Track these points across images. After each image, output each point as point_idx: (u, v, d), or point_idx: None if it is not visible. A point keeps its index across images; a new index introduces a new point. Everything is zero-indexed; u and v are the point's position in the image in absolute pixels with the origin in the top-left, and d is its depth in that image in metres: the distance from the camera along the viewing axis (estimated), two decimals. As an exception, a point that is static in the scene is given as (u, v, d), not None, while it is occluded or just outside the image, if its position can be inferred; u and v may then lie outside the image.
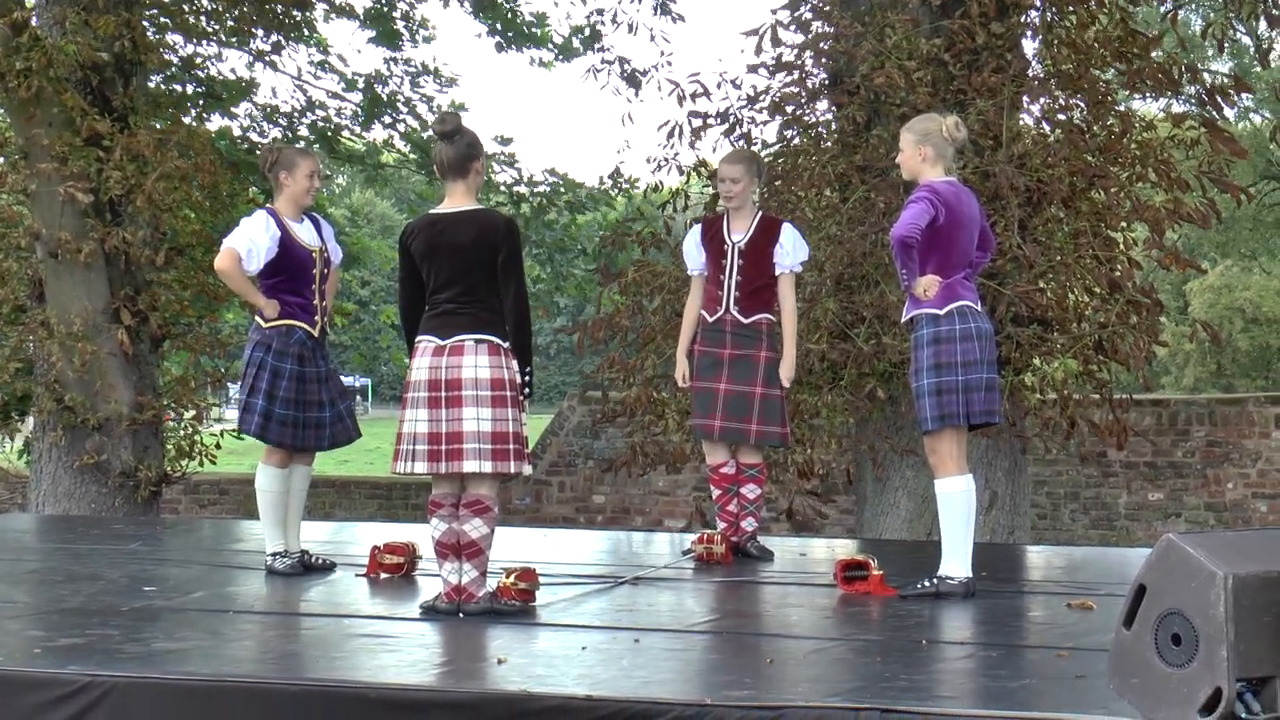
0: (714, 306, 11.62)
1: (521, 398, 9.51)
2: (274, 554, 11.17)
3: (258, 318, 11.06)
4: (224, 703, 7.55)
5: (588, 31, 26.80)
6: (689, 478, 20.64)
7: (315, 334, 11.13)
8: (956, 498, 10.07)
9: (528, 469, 9.73)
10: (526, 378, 9.57)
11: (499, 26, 27.05)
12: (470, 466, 9.33)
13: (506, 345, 9.45)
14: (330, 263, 11.37)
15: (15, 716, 7.61)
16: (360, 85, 27.11)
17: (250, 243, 10.90)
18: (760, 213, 11.72)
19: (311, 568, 11.24)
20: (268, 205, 11.35)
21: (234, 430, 12.59)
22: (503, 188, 26.53)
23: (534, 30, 27.23)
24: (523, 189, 26.88)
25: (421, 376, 9.43)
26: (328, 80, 27.22)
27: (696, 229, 12.08)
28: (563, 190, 27.00)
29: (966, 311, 9.97)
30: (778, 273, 11.50)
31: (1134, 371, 16.55)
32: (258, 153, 17.59)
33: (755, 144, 16.83)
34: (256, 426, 10.99)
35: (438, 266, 9.49)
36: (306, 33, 25.96)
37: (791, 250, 11.53)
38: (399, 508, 23.59)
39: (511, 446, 9.39)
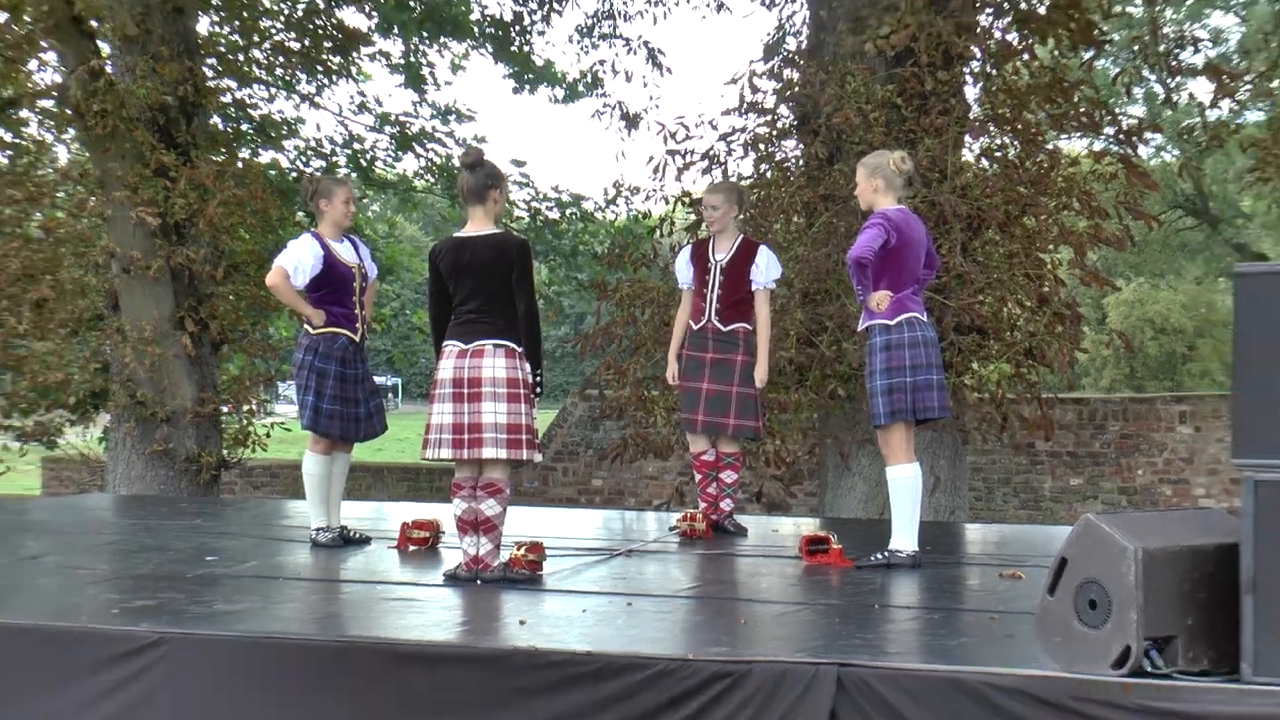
0: (699, 316, 11.66)
1: (532, 395, 9.55)
2: (317, 529, 11.20)
3: (306, 325, 11.09)
4: (274, 656, 7.58)
5: (590, 79, 27.11)
6: (674, 464, 20.64)
7: (356, 339, 11.18)
8: (905, 482, 10.10)
9: (538, 457, 9.74)
10: (537, 377, 9.60)
11: (516, 69, 27.29)
12: (488, 453, 9.37)
13: (520, 349, 9.49)
14: (368, 277, 11.40)
15: (97, 666, 7.66)
16: (392, 122, 27.26)
17: (297, 261, 10.94)
18: (742, 235, 11.75)
19: (349, 541, 11.25)
20: (312, 228, 11.37)
21: (283, 423, 12.57)
22: (519, 204, 26.61)
23: (548, 72, 27.46)
24: (536, 204, 27.04)
25: (447, 375, 9.47)
26: (364, 118, 27.37)
27: (686, 249, 12.11)
28: (568, 203, 27.15)
29: (914, 322, 10.01)
30: (754, 288, 11.53)
31: (1059, 374, 16.61)
32: (303, 183, 17.61)
33: (732, 177, 16.86)
34: (309, 420, 11.06)
35: (462, 282, 9.53)
36: (353, 71, 26.05)
37: (766, 269, 11.57)
38: (425, 489, 23.57)
39: (524, 437, 9.43)
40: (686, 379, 11.69)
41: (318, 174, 21.94)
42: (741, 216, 11.88)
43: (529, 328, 9.59)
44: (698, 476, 11.98)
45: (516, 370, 9.46)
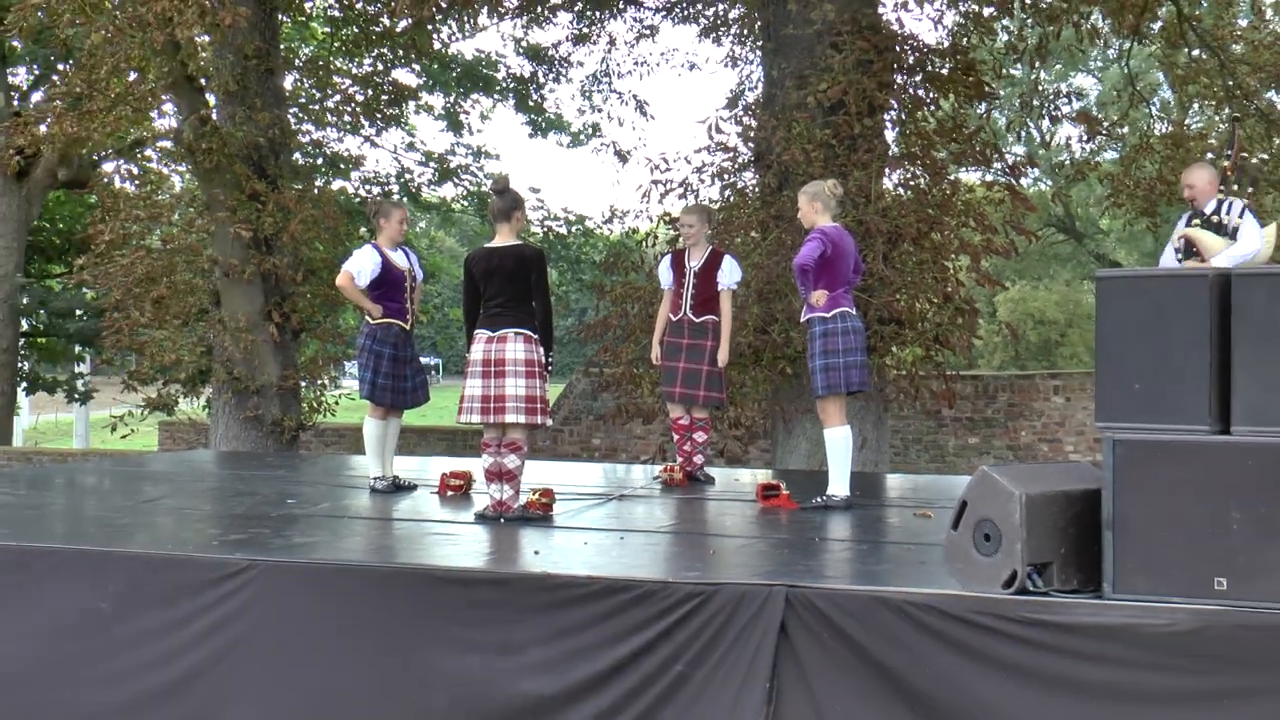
0: (677, 310, 11.63)
1: (545, 372, 9.55)
2: (375, 478, 11.16)
3: (367, 317, 11.08)
4: (341, 579, 7.58)
5: (590, 130, 27.73)
6: (657, 427, 20.59)
7: (407, 328, 11.16)
8: (839, 441, 10.06)
9: (549, 422, 9.73)
10: (549, 359, 9.61)
11: (532, 118, 27.62)
12: (510, 419, 9.36)
13: (536, 336, 9.49)
14: (416, 279, 11.40)
15: (200, 586, 7.68)
16: (435, 158, 27.48)
17: (360, 266, 10.95)
18: (711, 247, 11.74)
19: (400, 488, 11.20)
20: (372, 241, 11.36)
21: (349, 394, 12.56)
22: (535, 222, 26.74)
23: (558, 121, 27.82)
24: (550, 223, 27.22)
25: (478, 356, 9.47)
26: (413, 155, 27.50)
27: (667, 257, 12.08)
28: (574, 222, 27.37)
29: (846, 315, 9.97)
30: (720, 289, 11.51)
31: (959, 356, 16.68)
32: (365, 205, 17.52)
33: (703, 200, 16.88)
34: (366, 391, 11.05)
35: (490, 283, 9.53)
36: (405, 118, 26.25)
37: (729, 273, 11.54)
38: (460, 447, 23.46)
39: (539, 405, 9.45)
40: (667, 360, 11.68)
41: (379, 198, 21.98)
42: (710, 232, 11.86)
43: (543, 319, 9.62)
44: (675, 437, 11.94)
45: (534, 353, 9.47)
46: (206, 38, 17.58)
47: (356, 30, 23.70)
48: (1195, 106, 20.82)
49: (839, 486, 10.05)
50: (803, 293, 10.06)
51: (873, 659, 6.59)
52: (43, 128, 19.29)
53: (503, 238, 9.71)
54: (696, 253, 11.63)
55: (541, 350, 9.55)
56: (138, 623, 7.74)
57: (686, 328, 11.57)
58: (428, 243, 37.41)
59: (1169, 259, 10.43)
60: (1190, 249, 10.13)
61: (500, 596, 7.23)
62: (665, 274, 11.86)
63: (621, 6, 22.57)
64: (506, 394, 9.37)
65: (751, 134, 16.77)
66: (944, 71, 16.78)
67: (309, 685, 7.45)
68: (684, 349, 11.56)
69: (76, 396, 30.59)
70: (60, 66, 25.58)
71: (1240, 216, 10.02)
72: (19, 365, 27.73)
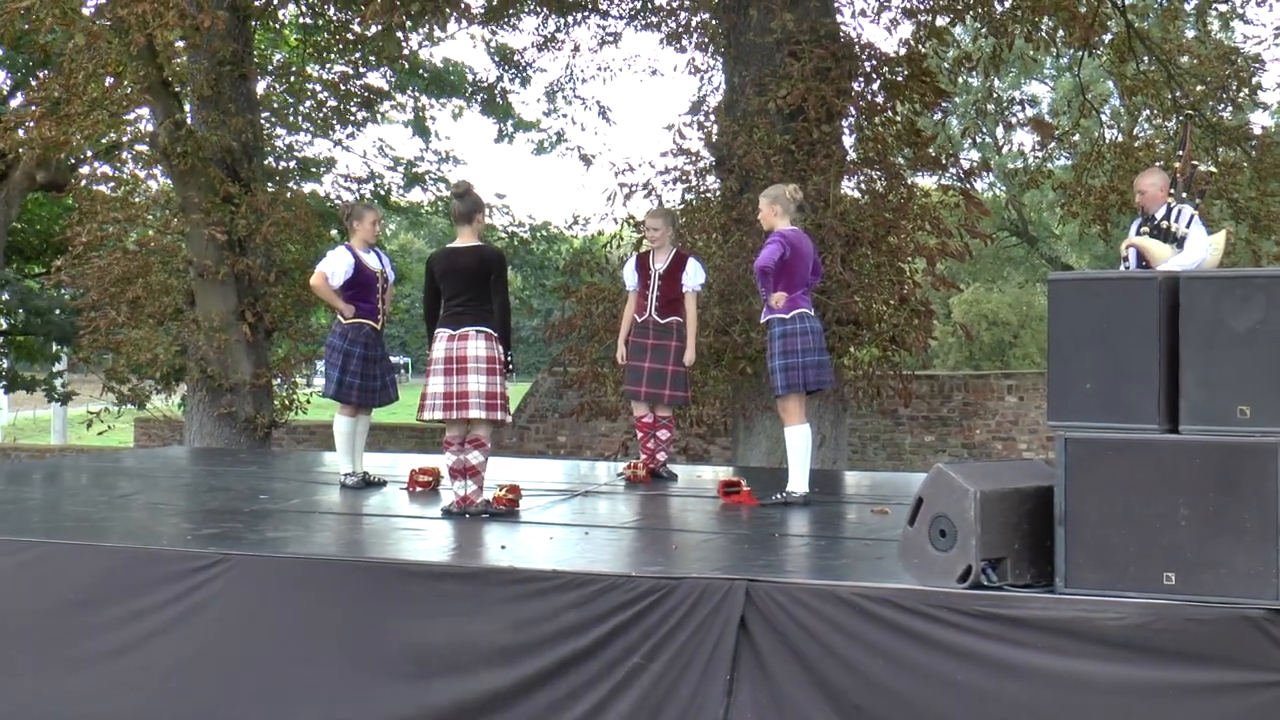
0: (642, 311, 11.61)
1: (505, 370, 9.52)
2: (345, 474, 11.12)
3: (339, 317, 11.06)
4: (312, 572, 7.57)
5: (555, 136, 27.74)
6: (620, 425, 20.55)
7: (377, 328, 11.15)
8: (799, 439, 10.06)
9: (509, 418, 9.71)
10: (509, 357, 9.59)
11: (499, 120, 27.64)
12: (474, 414, 9.33)
13: (496, 334, 9.46)
14: (388, 281, 11.39)
15: (175, 578, 7.67)
16: (404, 163, 27.51)
17: (333, 267, 10.94)
18: (675, 249, 11.71)
19: (370, 484, 11.17)
20: (346, 243, 11.34)
21: (319, 392, 12.54)
22: (500, 228, 26.71)
23: (524, 121, 27.83)
24: (514, 229, 27.20)
25: (439, 354, 9.44)
26: (383, 160, 27.50)
27: (632, 259, 12.06)
28: (538, 228, 27.39)
29: (804, 316, 9.97)
30: (684, 290, 11.49)
31: (915, 356, 16.76)
32: (337, 208, 17.47)
33: (667, 203, 16.89)
34: (332, 391, 11.05)
35: (450, 282, 9.52)
36: (378, 118, 26.30)
37: (693, 275, 11.53)
38: (429, 445, 23.38)
39: (499, 402, 9.41)
40: (632, 359, 11.65)
41: (353, 201, 21.94)
42: (674, 234, 11.84)
43: (502, 318, 9.58)
44: (639, 434, 11.93)
45: (494, 350, 9.43)
46: (182, 43, 17.52)
47: (328, 36, 23.67)
48: (1144, 115, 20.88)
49: (798, 483, 10.04)
50: (763, 294, 10.06)
51: (831, 652, 6.57)
52: (21, 131, 19.19)
53: (464, 238, 9.68)
54: (661, 255, 11.61)
55: (502, 348, 9.51)
56: (114, 610, 7.72)
57: (651, 329, 11.55)
58: (397, 247, 37.46)
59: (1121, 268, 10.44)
60: (1140, 258, 10.15)
61: (467, 590, 7.21)
62: (630, 276, 11.83)
63: (586, 14, 22.55)
64: (469, 390, 9.33)
65: (713, 139, 16.78)
66: (900, 79, 16.83)
67: (277, 672, 7.42)
68: (649, 349, 11.54)
69: (56, 397, 30.47)
70: (39, 72, 25.48)
71: (1189, 225, 10.04)
72: (-2, 364, 27.61)
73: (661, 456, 11.83)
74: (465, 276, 9.50)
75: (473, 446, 9.45)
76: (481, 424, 9.46)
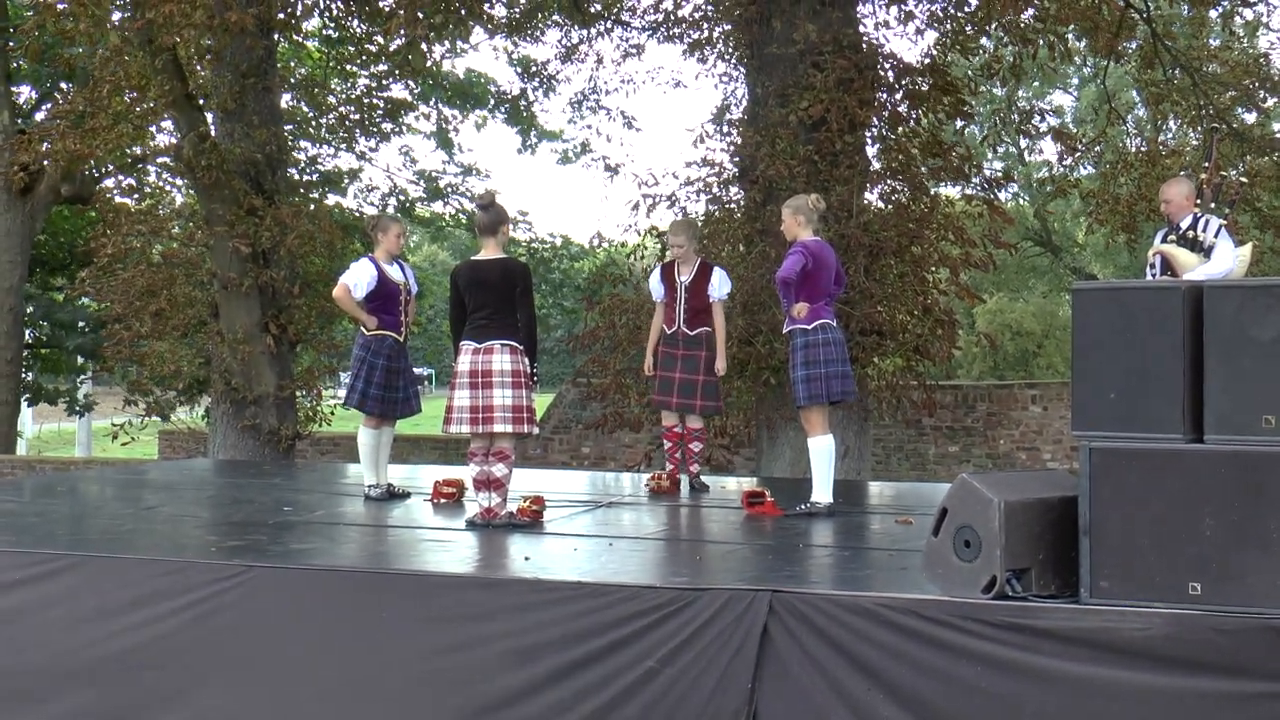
0: (670, 323, 11.60)
1: (531, 382, 9.52)
2: (370, 486, 11.13)
3: (362, 328, 11.07)
4: (336, 584, 7.58)
5: (580, 147, 27.91)
6: (644, 435, 20.55)
7: (401, 340, 11.17)
8: (822, 449, 10.06)
9: (535, 430, 9.72)
10: (534, 369, 9.58)
11: (524, 130, 27.75)
12: (499, 428, 9.32)
13: (521, 347, 9.45)
14: (411, 293, 11.39)
15: (200, 589, 7.68)
16: (426, 176, 27.62)
17: (357, 279, 10.94)
18: (700, 260, 11.72)
19: (394, 495, 11.18)
20: (369, 254, 11.36)
21: (343, 404, 12.57)
22: (522, 243, 26.75)
23: (548, 131, 27.95)
24: (535, 245, 27.26)
25: (465, 367, 9.42)
26: (406, 173, 27.60)
27: (658, 270, 12.05)
28: (560, 246, 27.45)
29: (827, 327, 9.97)
30: (711, 301, 11.49)
31: (939, 366, 16.75)
32: (362, 219, 17.53)
33: (690, 214, 16.93)
34: (354, 401, 11.06)
35: (476, 295, 9.48)
36: (401, 129, 26.44)
37: (719, 286, 11.53)
38: (453, 456, 23.40)
39: (525, 415, 9.40)
40: (662, 370, 11.64)
41: (379, 213, 22.03)
42: (697, 245, 11.86)
43: (528, 331, 9.55)
44: (667, 445, 11.94)
45: (519, 363, 9.41)
46: (209, 43, 17.55)
47: (351, 49, 23.74)
48: (1170, 123, 20.87)
49: (822, 494, 10.04)
50: (785, 305, 10.06)
51: (855, 662, 6.57)
52: (46, 145, 19.30)
53: (488, 251, 9.67)
54: (686, 267, 11.61)
55: (526, 361, 9.50)
56: (141, 617, 7.73)
57: (681, 340, 11.55)
58: (422, 259, 37.57)
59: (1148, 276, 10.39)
60: (1165, 265, 10.10)
61: (491, 601, 7.22)
62: (656, 286, 11.84)
63: (608, 25, 22.60)
64: (495, 404, 9.32)
65: (736, 150, 16.80)
66: (923, 89, 16.83)
67: (299, 683, 7.43)
68: (679, 359, 11.53)
69: (78, 409, 30.61)
70: (63, 85, 25.62)
71: (1216, 236, 9.97)
72: (22, 376, 27.71)
73: (694, 468, 11.83)
74: (490, 289, 9.48)
75: (497, 459, 9.44)
76: (506, 437, 9.46)
